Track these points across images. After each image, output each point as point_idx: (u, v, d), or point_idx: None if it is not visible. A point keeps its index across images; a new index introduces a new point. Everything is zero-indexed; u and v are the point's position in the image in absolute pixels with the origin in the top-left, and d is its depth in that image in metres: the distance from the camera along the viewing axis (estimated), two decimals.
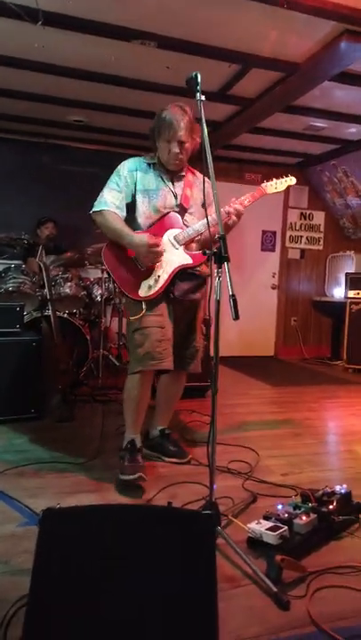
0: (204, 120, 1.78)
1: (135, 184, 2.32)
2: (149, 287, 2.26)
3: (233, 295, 1.62)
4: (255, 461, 2.60)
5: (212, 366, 1.76)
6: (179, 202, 2.36)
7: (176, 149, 2.24)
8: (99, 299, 4.47)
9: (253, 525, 1.74)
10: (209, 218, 1.97)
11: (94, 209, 2.32)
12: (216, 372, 1.74)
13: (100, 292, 4.46)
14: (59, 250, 4.47)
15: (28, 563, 1.15)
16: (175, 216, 2.33)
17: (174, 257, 2.29)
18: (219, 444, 2.51)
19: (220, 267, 1.70)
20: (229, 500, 2.09)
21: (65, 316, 3.91)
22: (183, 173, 2.41)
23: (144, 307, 2.25)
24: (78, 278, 4.44)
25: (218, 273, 1.71)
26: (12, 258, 4.31)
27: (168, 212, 2.32)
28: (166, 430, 2.68)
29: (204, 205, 2.21)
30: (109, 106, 4.47)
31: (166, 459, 2.57)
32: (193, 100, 1.87)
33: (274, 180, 2.39)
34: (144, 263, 2.25)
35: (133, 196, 2.33)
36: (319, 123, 4.75)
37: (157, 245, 2.22)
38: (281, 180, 2.39)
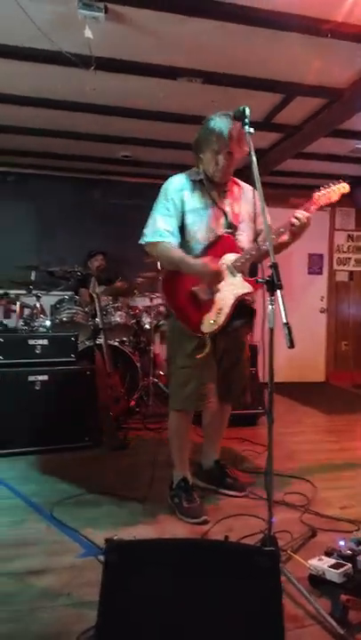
0: (253, 153, 1.81)
1: (183, 204, 2.22)
2: (212, 322, 2.17)
3: (287, 323, 1.61)
4: (312, 493, 2.52)
5: (267, 395, 1.74)
6: (229, 220, 2.26)
7: (225, 160, 2.16)
8: (147, 326, 4.53)
9: (315, 562, 1.67)
10: (261, 230, 1.90)
11: (148, 239, 2.22)
12: (271, 402, 1.72)
13: (148, 319, 4.53)
14: (109, 280, 4.61)
15: (90, 595, 1.16)
16: (230, 239, 2.24)
17: (233, 286, 2.19)
18: (274, 475, 2.48)
19: (272, 294, 1.69)
20: (288, 534, 2.02)
21: (116, 344, 3.99)
22: (228, 187, 2.31)
23: (208, 342, 2.16)
24: (128, 307, 4.54)
25: (270, 300, 1.71)
26: (66, 289, 4.47)
27: (222, 235, 2.23)
28: (221, 461, 2.64)
29: (254, 219, 2.16)
30: (156, 140, 4.63)
31: (223, 491, 2.51)
32: None
33: (323, 189, 2.19)
34: (202, 295, 2.16)
35: (182, 217, 2.23)
36: None
37: (219, 268, 2.12)
38: (332, 187, 2.20)
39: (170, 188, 2.25)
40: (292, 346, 1.58)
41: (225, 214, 2.26)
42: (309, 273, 6.41)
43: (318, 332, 6.44)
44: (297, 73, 3.33)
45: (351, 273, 6.51)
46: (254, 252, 2.18)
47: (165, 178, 2.34)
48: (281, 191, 6.16)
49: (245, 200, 2.31)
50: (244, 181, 2.35)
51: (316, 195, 2.17)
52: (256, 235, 2.31)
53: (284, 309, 1.63)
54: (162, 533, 2.07)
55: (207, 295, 2.17)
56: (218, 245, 2.22)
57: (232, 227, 2.26)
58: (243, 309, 2.27)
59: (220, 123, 2.11)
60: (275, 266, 1.71)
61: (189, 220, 2.22)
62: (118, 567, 1.09)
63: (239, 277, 2.20)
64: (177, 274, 2.19)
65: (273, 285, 1.69)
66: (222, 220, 2.25)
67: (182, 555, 1.13)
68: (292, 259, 6.21)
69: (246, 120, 1.85)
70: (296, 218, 2.10)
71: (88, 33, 2.59)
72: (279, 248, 2.23)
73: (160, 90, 3.55)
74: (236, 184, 2.37)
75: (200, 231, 2.22)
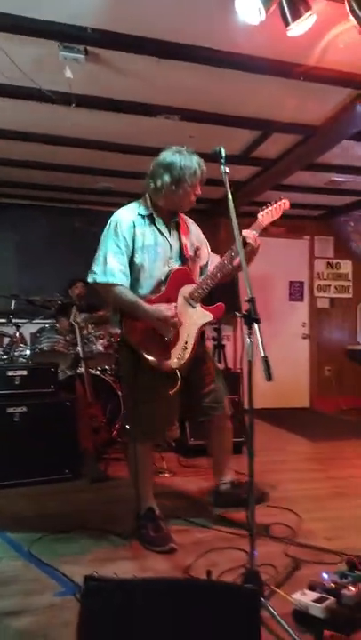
0: (229, 192, 1.87)
1: (134, 241, 2.19)
2: (179, 358, 2.19)
3: (265, 357, 1.63)
4: (297, 524, 2.49)
5: (248, 427, 1.74)
6: (180, 253, 2.28)
7: (199, 192, 2.24)
8: (118, 358, 4.52)
9: (298, 596, 1.64)
10: (210, 263, 1.96)
11: (100, 280, 2.18)
12: (252, 435, 1.73)
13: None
14: (91, 308, 4.61)
15: (68, 636, 1.13)
16: (184, 271, 2.26)
17: (195, 317, 2.23)
18: (257, 506, 2.46)
19: (250, 328, 1.73)
20: (272, 567, 1.99)
21: (97, 373, 3.97)
22: (177, 220, 2.34)
23: (179, 377, 2.16)
24: (109, 335, 4.54)
25: (248, 333, 1.74)
26: (47, 318, 4.46)
27: (176, 269, 2.24)
28: (235, 481, 2.58)
29: (198, 250, 2.27)
30: (136, 172, 4.72)
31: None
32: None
33: (265, 209, 2.35)
34: (165, 335, 2.17)
35: (132, 254, 2.20)
36: (340, 178, 4.88)
37: (175, 317, 2.14)
38: (274, 206, 2.36)
39: (121, 224, 2.21)
40: (269, 379, 1.60)
41: (176, 247, 2.29)
42: (291, 300, 6.53)
43: (301, 358, 6.51)
44: (273, 111, 3.47)
45: (332, 299, 6.65)
46: (210, 280, 2.24)
47: None
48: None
49: (190, 233, 2.38)
50: (210, 213, 2.43)
51: (260, 215, 2.32)
52: (202, 266, 2.40)
53: (262, 342, 1.66)
54: (143, 569, 2.03)
55: (170, 332, 2.18)
56: (173, 279, 2.23)
57: (183, 259, 2.29)
58: None
59: (192, 160, 2.19)
60: (252, 300, 1.75)
61: (141, 257, 2.21)
62: (95, 608, 1.07)
63: (198, 307, 2.26)
64: None
65: (250, 319, 1.71)
66: (174, 254, 2.28)
67: (161, 594, 1.12)
68: (274, 286, 6.32)
69: (222, 160, 1.91)
70: (243, 236, 2.17)
71: (68, 73, 2.69)
72: (231, 272, 2.32)
73: (138, 125, 3.64)
74: (180, 216, 2.38)
75: (154, 268, 2.23)
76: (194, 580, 1.91)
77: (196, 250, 2.38)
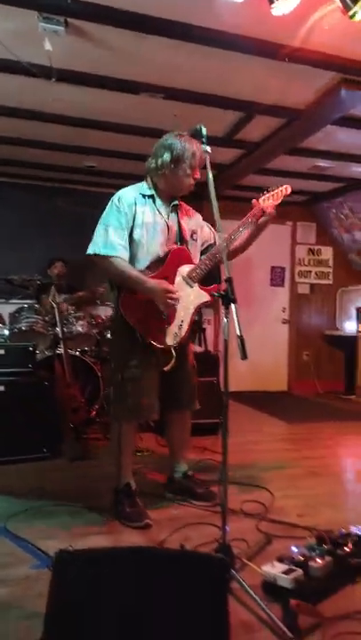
0: (210, 171, 1.87)
1: (134, 218, 2.24)
2: (175, 335, 2.23)
3: (241, 336, 1.65)
4: (270, 502, 2.56)
5: (223, 405, 1.77)
6: (180, 235, 2.32)
7: (197, 175, 2.26)
8: (110, 336, 4.52)
9: (267, 568, 1.70)
10: (218, 239, 1.98)
11: (101, 252, 2.20)
12: (226, 413, 1.76)
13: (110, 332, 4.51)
14: (71, 289, 4.58)
15: (43, 606, 1.15)
16: (183, 251, 2.30)
17: (192, 297, 2.26)
18: (232, 484, 2.51)
19: (227, 308, 1.74)
20: (244, 542, 2.05)
21: (77, 354, 3.96)
22: (177, 204, 2.38)
23: (174, 354, 2.22)
24: (90, 316, 4.52)
25: (225, 313, 1.75)
26: (25, 298, 4.42)
27: (176, 248, 2.28)
28: (189, 472, 2.64)
29: (194, 234, 2.28)
30: (120, 152, 4.67)
31: (195, 502, 2.49)
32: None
33: (266, 193, 2.35)
34: (164, 309, 2.19)
35: (131, 231, 2.24)
36: (324, 163, 4.89)
37: (173, 292, 2.18)
38: (275, 190, 2.35)
39: (123, 200, 2.26)
40: (244, 357, 1.63)
41: (176, 229, 2.32)
42: (272, 285, 6.57)
43: (281, 343, 6.59)
44: (257, 93, 3.45)
45: (312, 285, 6.71)
46: (209, 261, 2.27)
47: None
48: (243, 204, 6.27)
49: (189, 218, 2.40)
50: (198, 196, 2.42)
51: (261, 199, 2.33)
52: (205, 249, 2.43)
53: (239, 323, 1.68)
54: (118, 543, 2.06)
55: (169, 307, 2.21)
56: (172, 258, 2.27)
57: (183, 241, 2.33)
58: None
59: (190, 143, 2.20)
60: (229, 280, 1.76)
61: (139, 233, 2.24)
62: (66, 577, 1.09)
63: (196, 287, 2.28)
64: None
65: (228, 299, 1.73)
66: (173, 235, 2.31)
67: (132, 563, 1.15)
68: (255, 271, 6.35)
69: (203, 139, 1.91)
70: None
71: (48, 45, 2.62)
72: (242, 248, 2.40)
73: (122, 102, 3.59)
74: (183, 203, 2.43)
75: (151, 244, 2.25)
76: (160, 549, 1.95)
77: (193, 234, 2.40)
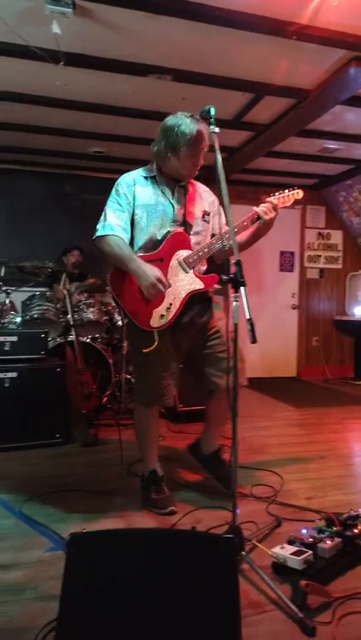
0: (218, 153, 1.85)
1: (134, 199, 2.21)
2: (162, 317, 2.15)
3: (250, 319, 1.65)
4: (279, 485, 2.58)
5: (233, 388, 1.78)
6: (183, 217, 2.25)
7: (202, 161, 2.20)
8: (120, 323, 4.54)
9: (277, 550, 1.73)
10: (223, 230, 1.94)
11: (98, 234, 2.19)
12: (236, 396, 1.77)
13: (121, 316, 4.53)
14: (82, 277, 4.59)
15: (57, 588, 1.18)
16: (183, 235, 2.22)
17: (185, 282, 2.20)
18: (242, 468, 2.53)
19: (236, 291, 1.74)
20: (254, 524, 2.08)
21: (88, 341, 3.99)
22: (184, 185, 2.30)
23: (156, 337, 2.13)
24: (100, 304, 4.53)
25: (235, 297, 1.75)
26: (37, 285, 4.44)
27: (175, 231, 2.21)
28: (218, 452, 2.56)
29: (206, 216, 2.23)
30: (128, 137, 4.63)
31: (216, 481, 2.49)
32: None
33: (276, 194, 2.33)
34: (146, 294, 2.11)
35: (133, 212, 2.22)
36: (333, 145, 4.81)
37: (164, 283, 2.10)
38: (286, 193, 2.34)
39: (122, 182, 2.25)
40: (254, 341, 1.63)
41: (179, 211, 2.25)
42: (281, 270, 6.53)
43: (290, 329, 6.56)
44: (265, 73, 3.39)
45: (322, 270, 6.66)
46: (207, 249, 2.21)
47: None
48: (252, 188, 6.24)
49: (201, 200, 2.34)
50: (208, 179, 2.37)
51: (273, 198, 2.31)
52: (212, 235, 2.35)
53: (248, 306, 1.67)
54: (130, 526, 2.10)
55: (152, 292, 2.12)
56: (170, 240, 2.20)
57: (185, 224, 2.25)
58: (197, 303, 2.27)
59: (196, 125, 2.11)
60: (238, 263, 1.76)
61: (139, 214, 2.21)
62: (79, 559, 1.12)
63: (191, 273, 2.22)
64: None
65: (237, 282, 1.73)
66: (175, 217, 2.24)
67: (144, 544, 1.17)
68: (264, 256, 6.31)
69: (211, 120, 1.88)
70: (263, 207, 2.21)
71: (56, 28, 2.59)
72: (247, 244, 2.33)
73: (130, 86, 3.55)
74: (192, 184, 2.35)
75: (149, 225, 2.20)
76: (170, 530, 1.98)
77: (204, 215, 2.31)
